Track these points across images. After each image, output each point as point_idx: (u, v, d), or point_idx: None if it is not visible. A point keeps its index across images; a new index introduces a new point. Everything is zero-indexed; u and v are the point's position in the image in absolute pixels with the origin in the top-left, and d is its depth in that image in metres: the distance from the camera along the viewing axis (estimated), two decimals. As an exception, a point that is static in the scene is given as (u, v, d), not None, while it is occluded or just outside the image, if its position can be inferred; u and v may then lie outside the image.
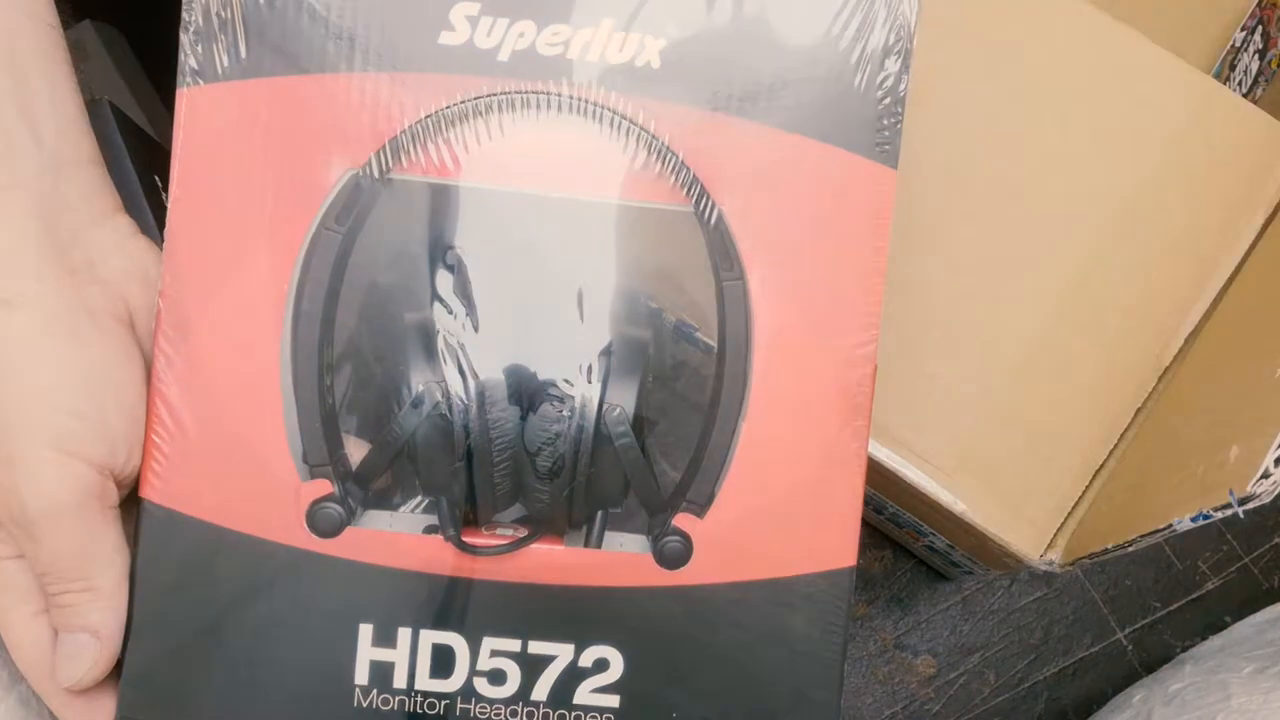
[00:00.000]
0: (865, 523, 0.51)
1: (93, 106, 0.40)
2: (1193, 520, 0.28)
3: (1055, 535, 0.37)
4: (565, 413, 0.29)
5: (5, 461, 0.26)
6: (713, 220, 0.29)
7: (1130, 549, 0.31)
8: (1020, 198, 0.40)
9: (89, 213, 0.29)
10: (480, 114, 0.28)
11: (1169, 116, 0.40)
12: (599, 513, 0.30)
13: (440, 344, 0.29)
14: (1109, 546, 0.32)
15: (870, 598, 0.54)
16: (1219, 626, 0.52)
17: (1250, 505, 0.26)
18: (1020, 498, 0.37)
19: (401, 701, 0.29)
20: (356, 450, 0.29)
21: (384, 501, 0.30)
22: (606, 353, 0.29)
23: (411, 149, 0.28)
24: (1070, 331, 0.39)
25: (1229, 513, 0.26)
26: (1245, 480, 0.26)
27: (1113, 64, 0.41)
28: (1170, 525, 0.29)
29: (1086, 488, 0.37)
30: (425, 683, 0.29)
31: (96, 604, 0.28)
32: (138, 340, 0.29)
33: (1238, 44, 0.41)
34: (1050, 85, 0.40)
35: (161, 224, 0.39)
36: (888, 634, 0.53)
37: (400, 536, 0.29)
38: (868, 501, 0.47)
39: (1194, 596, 0.53)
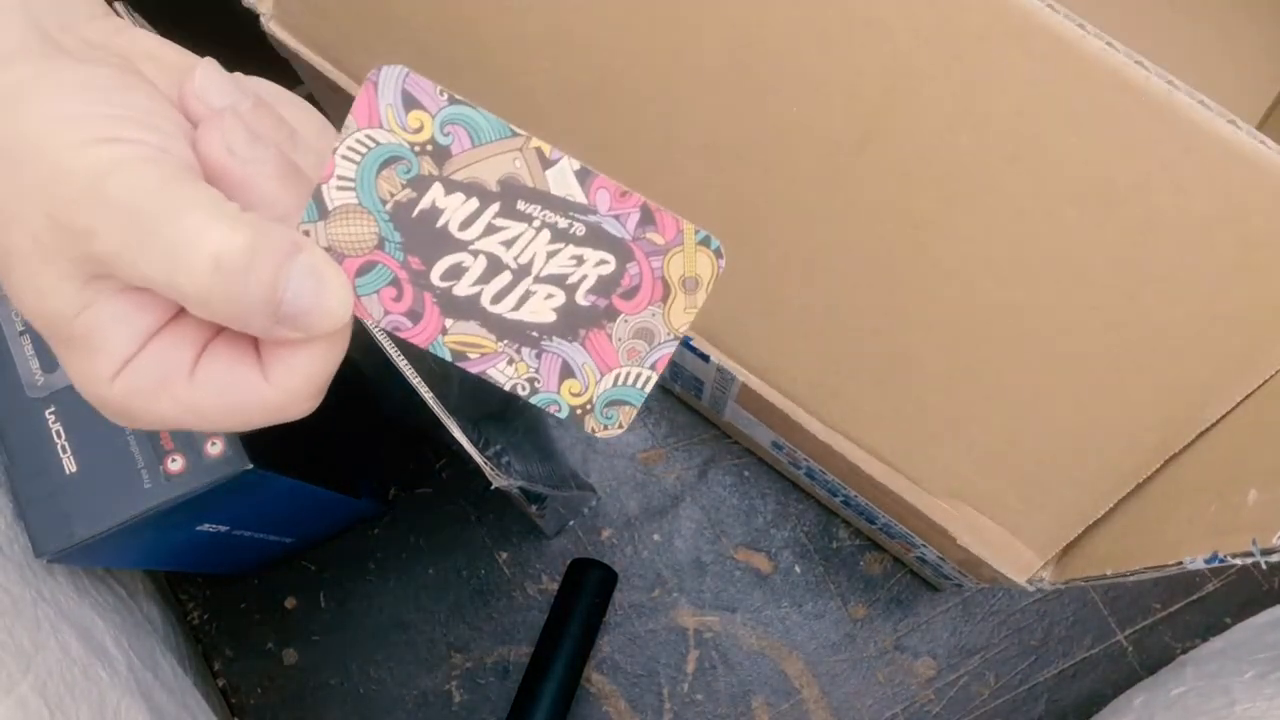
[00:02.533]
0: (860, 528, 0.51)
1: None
2: (1206, 562, 0.27)
3: (1048, 561, 0.37)
4: None
5: (91, 190, 0.21)
6: None
7: (1131, 578, 0.31)
8: (1034, 219, 0.39)
9: (83, 12, 0.26)
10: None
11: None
12: None
13: None
14: (1108, 573, 0.32)
15: (870, 599, 0.54)
16: (1219, 628, 0.52)
17: (1274, 558, 0.25)
18: (1016, 522, 0.37)
19: None
20: None
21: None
22: None
23: None
24: (1078, 356, 0.38)
25: (1248, 560, 0.26)
26: (1268, 529, 0.25)
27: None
28: (1180, 563, 0.28)
29: (1093, 522, 0.37)
30: None
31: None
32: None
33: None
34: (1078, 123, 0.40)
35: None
36: (887, 636, 0.53)
37: None
38: (860, 511, 0.47)
39: (1194, 598, 0.53)
